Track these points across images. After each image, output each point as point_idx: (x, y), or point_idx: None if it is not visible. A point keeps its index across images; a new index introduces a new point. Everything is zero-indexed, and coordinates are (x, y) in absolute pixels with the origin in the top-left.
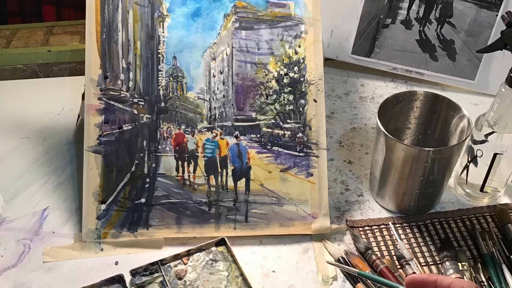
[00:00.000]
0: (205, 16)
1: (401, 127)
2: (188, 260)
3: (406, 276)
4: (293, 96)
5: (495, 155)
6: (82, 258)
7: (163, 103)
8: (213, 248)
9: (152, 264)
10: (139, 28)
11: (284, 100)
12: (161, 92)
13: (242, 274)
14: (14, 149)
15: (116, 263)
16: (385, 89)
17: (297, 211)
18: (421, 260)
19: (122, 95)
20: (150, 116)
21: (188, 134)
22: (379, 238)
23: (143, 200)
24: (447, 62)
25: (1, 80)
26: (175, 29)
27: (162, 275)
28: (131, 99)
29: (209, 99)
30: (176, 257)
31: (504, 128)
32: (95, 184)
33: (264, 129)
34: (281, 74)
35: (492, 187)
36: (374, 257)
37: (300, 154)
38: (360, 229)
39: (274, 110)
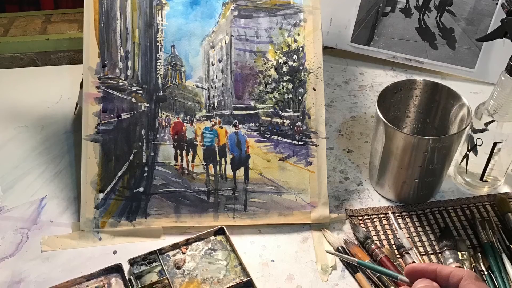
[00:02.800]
0: (203, 4)
1: (400, 116)
2: (186, 249)
3: (405, 265)
4: (292, 84)
5: (495, 144)
6: (80, 248)
7: (161, 92)
8: (212, 237)
9: (151, 253)
10: (137, 16)
11: (283, 88)
12: (159, 81)
13: (241, 263)
14: (12, 138)
15: (115, 252)
16: (385, 78)
17: (296, 200)
18: (421, 249)
19: (121, 84)
20: (148, 105)
21: (187, 122)
22: (379, 227)
23: (141, 189)
24: (447, 50)
25: None
26: (174, 17)
27: (161, 264)
28: (129, 87)
29: (208, 87)
30: (175, 246)
31: (504, 116)
32: (93, 173)
33: (263, 117)
34: (280, 63)
35: (492, 176)
36: (373, 246)
37: (299, 143)
38: (360, 218)
39: (273, 98)
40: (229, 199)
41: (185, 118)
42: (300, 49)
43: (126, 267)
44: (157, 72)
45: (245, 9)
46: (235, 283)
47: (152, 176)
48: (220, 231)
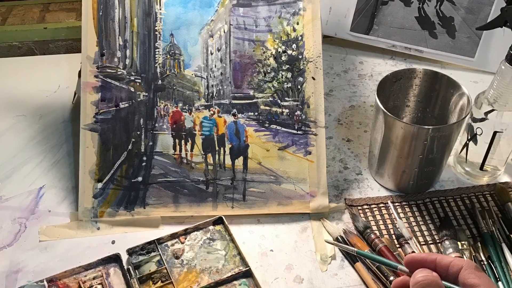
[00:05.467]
0: None
1: (400, 105)
2: (185, 239)
3: (405, 255)
4: (291, 73)
5: (495, 133)
6: (79, 237)
7: (160, 81)
8: (211, 227)
9: (149, 243)
10: (136, 5)
11: (282, 77)
12: (158, 70)
13: (239, 253)
14: (10, 127)
15: (113, 242)
16: (384, 67)
17: (295, 190)
18: (420, 239)
19: (119, 73)
20: (147, 94)
21: (186, 112)
22: (378, 217)
23: (140, 178)
24: (447, 39)
25: None
26: (172, 6)
27: (159, 254)
28: (127, 76)
29: (207, 76)
30: (173, 236)
31: (504, 106)
32: (92, 163)
33: (262, 107)
34: (279, 52)
35: (492, 165)
36: (373, 236)
37: (298, 132)
38: (359, 208)
39: (272, 87)
40: (228, 188)
41: (184, 107)
42: (299, 38)
43: (124, 257)
44: (156, 61)
45: None
46: (234, 273)
47: (151, 166)
48: (219, 221)
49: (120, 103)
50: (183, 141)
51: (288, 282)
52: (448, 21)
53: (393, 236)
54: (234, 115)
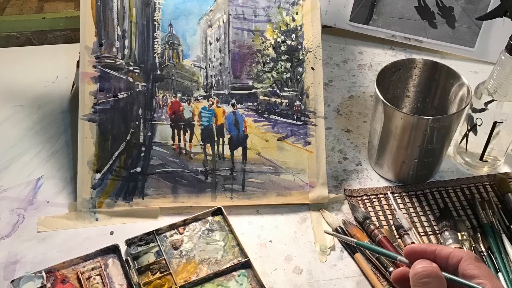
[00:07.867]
0: None
1: (399, 95)
2: (184, 230)
3: (404, 246)
4: (290, 64)
5: (494, 123)
6: (77, 228)
7: (158, 71)
8: (210, 218)
9: (148, 234)
10: None
11: (281, 68)
12: (156, 60)
13: (238, 244)
14: (8, 117)
15: (111, 233)
16: (384, 57)
17: (294, 180)
18: (420, 230)
19: (117, 63)
20: (145, 84)
21: (184, 102)
22: (378, 208)
23: (138, 169)
24: (447, 29)
25: None
26: None
27: (158, 245)
28: (126, 66)
29: (206, 67)
30: (172, 226)
31: (504, 96)
32: (90, 153)
33: (261, 97)
34: (278, 42)
35: (491, 156)
36: (372, 227)
37: (298, 122)
38: (358, 198)
39: (271, 78)
40: (227, 179)
41: (183, 97)
42: (299, 28)
43: (123, 248)
44: (154, 51)
45: None
46: (232, 264)
47: (149, 156)
48: (217, 212)
49: (119, 94)
50: (182, 132)
51: (287, 273)
52: (448, 11)
53: (393, 227)
54: (233, 105)
